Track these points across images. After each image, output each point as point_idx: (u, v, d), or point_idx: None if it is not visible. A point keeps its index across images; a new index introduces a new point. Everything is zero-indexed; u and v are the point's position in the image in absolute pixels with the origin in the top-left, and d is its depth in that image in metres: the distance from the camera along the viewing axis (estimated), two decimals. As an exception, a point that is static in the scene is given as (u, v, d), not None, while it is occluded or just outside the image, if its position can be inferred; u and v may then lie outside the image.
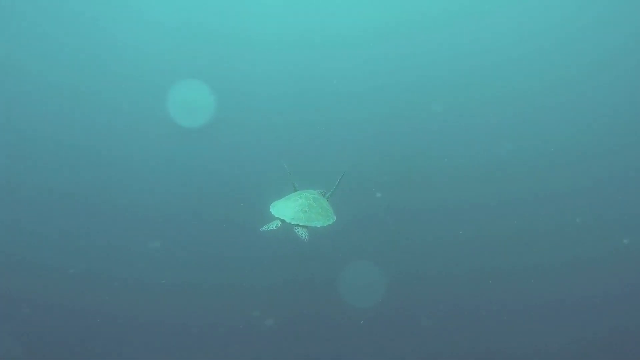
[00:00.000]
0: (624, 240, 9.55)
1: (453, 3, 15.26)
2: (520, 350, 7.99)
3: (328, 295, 8.52)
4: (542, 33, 14.89)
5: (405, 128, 14.07)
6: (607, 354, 7.73)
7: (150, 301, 8.79)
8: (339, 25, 15.80)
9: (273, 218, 4.61)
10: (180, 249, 9.92)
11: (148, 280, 9.16)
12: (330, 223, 4.65)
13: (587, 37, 14.54)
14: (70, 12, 13.33)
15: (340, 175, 5.24)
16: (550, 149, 12.41)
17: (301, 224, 4.48)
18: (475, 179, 11.91)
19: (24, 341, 7.57)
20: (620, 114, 13.32)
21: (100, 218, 10.80)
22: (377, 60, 15.57)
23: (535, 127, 13.45)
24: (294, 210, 4.56)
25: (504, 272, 9.33)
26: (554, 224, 10.42)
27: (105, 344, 7.98)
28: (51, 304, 8.35)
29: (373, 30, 15.77)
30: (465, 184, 11.77)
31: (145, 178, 12.02)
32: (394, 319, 8.49)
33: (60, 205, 10.89)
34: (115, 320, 8.22)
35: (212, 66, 14.70)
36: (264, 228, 4.51)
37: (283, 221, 4.54)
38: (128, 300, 8.74)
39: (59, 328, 8.03)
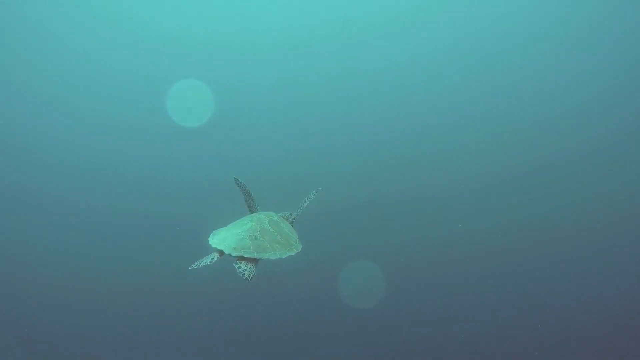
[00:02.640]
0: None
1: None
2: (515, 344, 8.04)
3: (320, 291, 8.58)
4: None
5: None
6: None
7: (150, 302, 9.04)
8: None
9: (210, 249, 3.36)
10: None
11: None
12: (293, 254, 3.40)
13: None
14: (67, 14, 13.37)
15: (314, 191, 4.01)
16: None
17: (247, 256, 3.17)
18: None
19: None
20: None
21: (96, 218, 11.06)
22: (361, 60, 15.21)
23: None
24: (238, 237, 3.29)
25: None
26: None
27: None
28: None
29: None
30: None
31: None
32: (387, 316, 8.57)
33: (59, 208, 11.23)
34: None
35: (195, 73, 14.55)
36: (194, 266, 3.18)
37: (222, 253, 3.26)
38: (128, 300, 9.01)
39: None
